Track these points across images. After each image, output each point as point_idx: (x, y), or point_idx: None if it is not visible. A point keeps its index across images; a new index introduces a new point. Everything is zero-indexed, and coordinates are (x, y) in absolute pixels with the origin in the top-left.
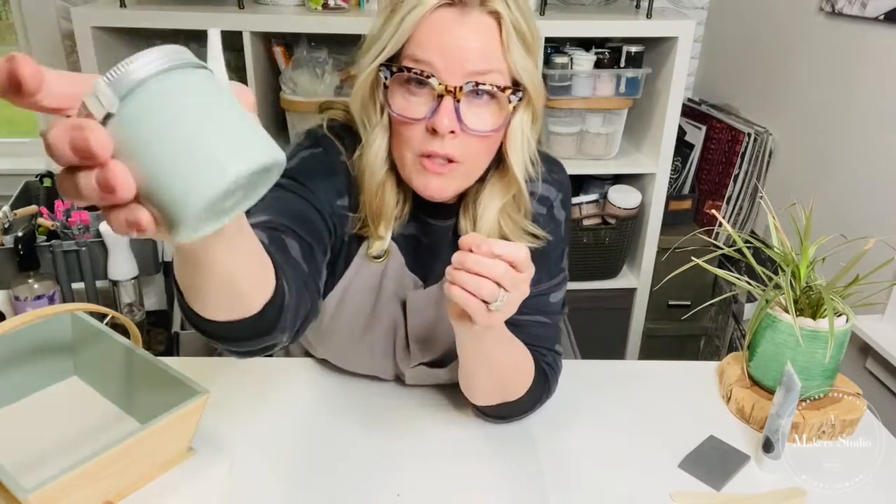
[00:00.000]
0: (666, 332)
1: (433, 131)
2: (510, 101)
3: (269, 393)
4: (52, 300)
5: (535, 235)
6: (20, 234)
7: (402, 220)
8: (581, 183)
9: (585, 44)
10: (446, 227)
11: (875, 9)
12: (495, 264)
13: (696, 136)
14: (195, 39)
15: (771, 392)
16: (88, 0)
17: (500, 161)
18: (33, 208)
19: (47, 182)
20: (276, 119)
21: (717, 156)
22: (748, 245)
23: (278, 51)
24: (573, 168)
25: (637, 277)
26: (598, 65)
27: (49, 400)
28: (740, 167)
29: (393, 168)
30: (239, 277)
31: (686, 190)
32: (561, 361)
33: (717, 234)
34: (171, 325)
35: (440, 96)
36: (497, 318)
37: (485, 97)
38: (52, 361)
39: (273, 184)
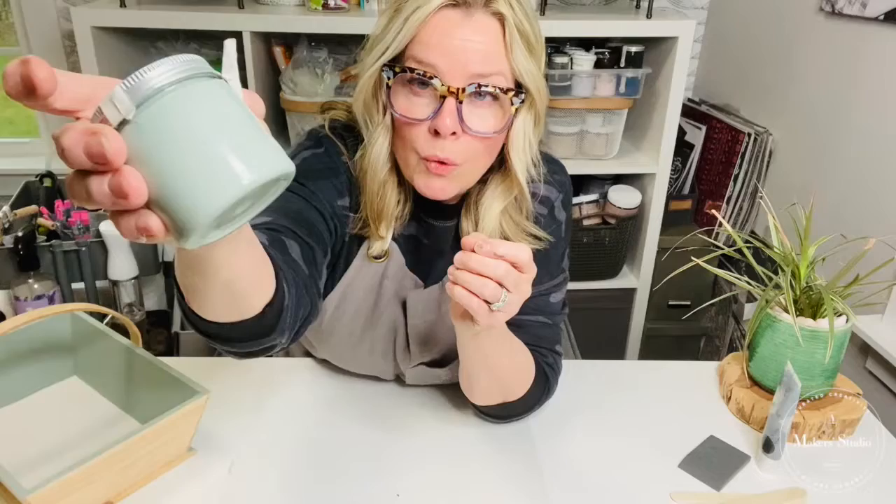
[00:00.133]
0: (666, 332)
1: (435, 132)
2: (513, 103)
3: (269, 393)
4: (52, 300)
5: (536, 236)
6: (20, 234)
7: (402, 221)
8: (581, 183)
9: (585, 44)
10: (447, 228)
11: (875, 9)
12: (498, 265)
13: (696, 136)
14: (195, 39)
15: (771, 392)
16: (88, 0)
17: (502, 162)
18: (33, 208)
19: (47, 182)
20: (276, 119)
21: (717, 156)
22: (748, 245)
23: (278, 51)
24: (573, 168)
25: (637, 277)
26: (598, 65)
27: (49, 400)
28: (740, 167)
29: (394, 168)
30: (240, 279)
31: (686, 190)
32: (561, 362)
33: (717, 234)
34: (171, 325)
35: (443, 97)
36: (499, 319)
37: (487, 99)
38: (52, 361)
39: (280, 193)
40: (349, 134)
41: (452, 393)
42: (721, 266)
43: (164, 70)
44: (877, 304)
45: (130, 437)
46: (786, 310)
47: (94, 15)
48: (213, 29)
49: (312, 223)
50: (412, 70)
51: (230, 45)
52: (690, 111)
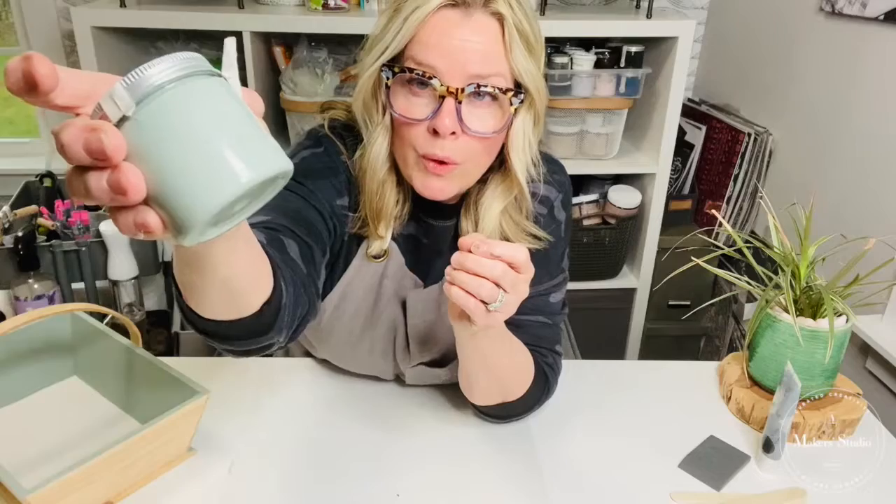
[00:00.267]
0: (666, 332)
1: (434, 132)
2: (512, 104)
3: (269, 393)
4: (52, 300)
5: (536, 236)
6: (20, 234)
7: (401, 220)
8: (581, 183)
9: (585, 44)
10: (447, 228)
11: (875, 9)
12: (495, 265)
13: (696, 136)
14: (195, 39)
15: (771, 392)
16: (88, 0)
17: (501, 162)
18: (33, 208)
19: (47, 182)
20: (276, 119)
21: (717, 156)
22: (748, 245)
23: (278, 51)
24: (573, 168)
25: (637, 277)
26: (598, 65)
27: (49, 400)
28: (740, 167)
29: (393, 168)
30: (238, 278)
31: (686, 190)
32: (561, 362)
33: (717, 234)
34: (171, 325)
35: (442, 97)
36: (496, 319)
37: (486, 99)
38: (52, 361)
39: (278, 191)
40: (348, 134)
41: (452, 393)
42: (721, 266)
43: (165, 67)
44: (877, 304)
45: (130, 437)
46: (786, 310)
47: (94, 15)
48: (213, 29)
49: (311, 222)
50: (411, 70)
51: (230, 43)
52: (690, 111)
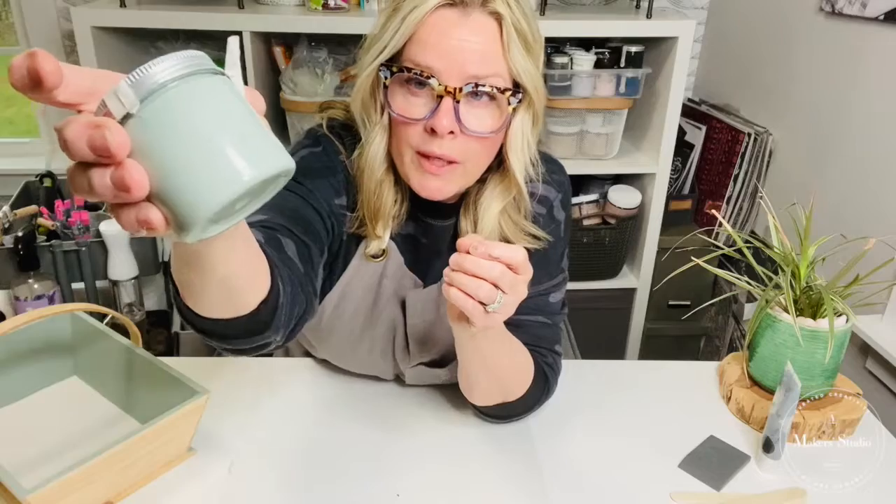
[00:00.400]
0: (666, 332)
1: (432, 131)
2: (510, 103)
3: (269, 393)
4: (52, 300)
5: (535, 236)
6: (20, 234)
7: (399, 220)
8: (581, 183)
9: (585, 44)
10: (446, 227)
11: (875, 9)
12: (493, 266)
13: (696, 136)
14: (195, 39)
15: (771, 392)
16: (88, 0)
17: (500, 162)
18: (33, 208)
19: (47, 182)
20: (276, 119)
21: (717, 156)
22: (748, 245)
23: (278, 51)
24: (573, 168)
25: (637, 277)
26: (598, 65)
27: (49, 400)
28: (740, 167)
29: (391, 168)
30: (236, 276)
31: (686, 190)
32: (561, 362)
33: (717, 234)
34: (171, 325)
35: (440, 97)
36: (495, 320)
37: (484, 98)
38: (52, 361)
39: (279, 189)
40: (347, 133)
41: (452, 393)
42: (721, 266)
43: (169, 66)
44: (877, 304)
45: (130, 437)
46: (786, 310)
47: (94, 15)
48: (213, 29)
49: (309, 221)
50: (409, 70)
51: (234, 42)
52: (690, 111)
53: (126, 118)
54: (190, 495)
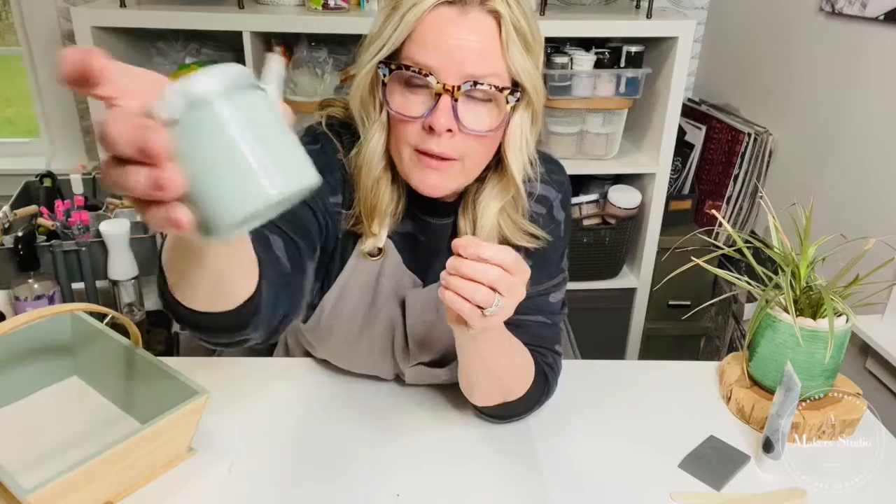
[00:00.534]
0: (666, 332)
1: (430, 129)
2: (508, 102)
3: (269, 393)
4: (52, 300)
5: (534, 235)
6: (20, 234)
7: (397, 218)
8: (581, 183)
9: (585, 44)
10: (444, 226)
11: (875, 9)
12: (489, 270)
13: (696, 136)
14: (195, 39)
15: (771, 392)
16: (88, 0)
17: (499, 161)
18: (33, 208)
19: (47, 182)
20: None
21: (717, 156)
22: (748, 245)
23: (278, 51)
24: (573, 168)
25: (637, 277)
26: (598, 65)
27: (49, 400)
28: (740, 167)
29: (389, 166)
30: (227, 274)
31: (686, 190)
32: (561, 362)
33: (717, 234)
34: (171, 325)
35: (438, 95)
36: (493, 322)
37: (483, 97)
38: (52, 361)
39: (300, 198)
40: (346, 131)
41: (452, 393)
42: (721, 266)
43: (214, 78)
44: (877, 304)
45: (130, 437)
46: (786, 310)
47: (94, 15)
48: (213, 29)
49: (301, 219)
50: (408, 68)
51: (276, 60)
52: (690, 111)
53: (169, 123)
54: (190, 495)
